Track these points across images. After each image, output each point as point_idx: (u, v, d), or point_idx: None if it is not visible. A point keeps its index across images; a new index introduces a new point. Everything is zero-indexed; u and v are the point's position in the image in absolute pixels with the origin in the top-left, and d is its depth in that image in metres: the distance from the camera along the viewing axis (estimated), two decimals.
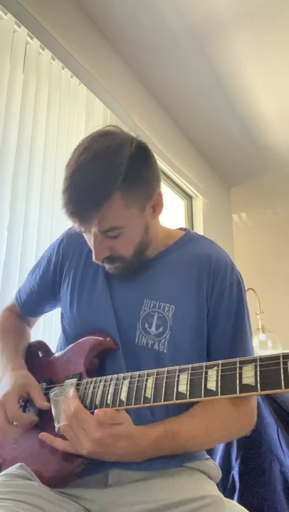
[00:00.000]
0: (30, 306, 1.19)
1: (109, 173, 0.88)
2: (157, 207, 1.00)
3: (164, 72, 2.85)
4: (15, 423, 0.92)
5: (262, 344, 3.44)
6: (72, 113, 2.17)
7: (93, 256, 0.95)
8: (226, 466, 1.56)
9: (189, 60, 2.74)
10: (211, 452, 1.57)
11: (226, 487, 1.53)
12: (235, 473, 1.54)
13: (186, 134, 3.51)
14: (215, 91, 3.01)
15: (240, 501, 1.43)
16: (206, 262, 1.01)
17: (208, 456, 1.00)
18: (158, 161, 3.05)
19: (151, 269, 1.02)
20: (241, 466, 1.54)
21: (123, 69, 2.75)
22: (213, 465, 0.98)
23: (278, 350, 3.30)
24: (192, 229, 3.59)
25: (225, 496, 0.90)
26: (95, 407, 0.84)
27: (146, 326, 0.96)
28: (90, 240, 0.96)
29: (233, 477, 1.54)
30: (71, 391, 0.84)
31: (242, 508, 0.84)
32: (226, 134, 3.50)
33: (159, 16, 2.41)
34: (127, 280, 1.01)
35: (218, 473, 0.98)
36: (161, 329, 0.95)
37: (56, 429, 0.84)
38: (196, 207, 3.66)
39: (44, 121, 1.97)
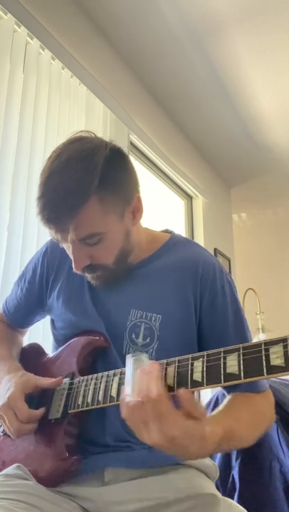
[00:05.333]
0: (19, 318, 1.17)
1: (84, 176, 0.85)
2: (137, 212, 0.97)
3: (164, 72, 2.85)
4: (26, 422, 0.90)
5: None
6: (72, 113, 2.17)
7: (73, 265, 0.92)
8: (226, 466, 1.56)
9: (189, 60, 2.74)
10: None
11: (226, 487, 1.53)
12: (235, 473, 1.54)
13: (186, 133, 3.51)
14: (215, 91, 3.01)
15: (240, 501, 1.43)
16: (192, 267, 0.98)
17: None
18: (158, 161, 3.07)
19: (136, 277, 0.99)
20: (241, 466, 1.54)
21: (123, 69, 2.75)
22: (211, 463, 0.98)
23: None
24: (192, 229, 3.61)
25: (225, 496, 0.90)
26: (87, 405, 0.85)
27: (134, 336, 0.94)
28: (68, 248, 0.93)
29: (233, 477, 1.54)
30: (155, 369, 0.73)
31: (239, 506, 0.84)
32: (225, 134, 3.50)
33: (160, 15, 2.41)
34: (113, 289, 0.99)
35: (215, 472, 0.98)
36: (148, 340, 0.94)
37: (123, 402, 0.73)
38: (196, 207, 3.66)
39: (44, 121, 1.97)
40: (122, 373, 0.83)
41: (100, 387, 0.85)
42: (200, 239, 3.50)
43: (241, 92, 3.02)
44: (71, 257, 0.92)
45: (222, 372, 0.69)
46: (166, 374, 0.75)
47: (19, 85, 1.87)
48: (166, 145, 3.12)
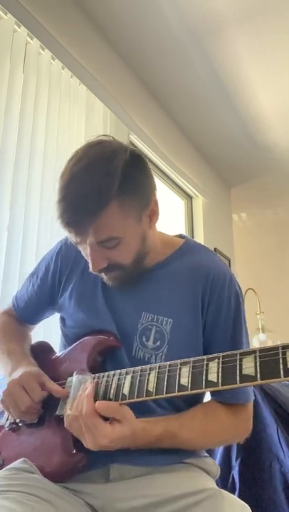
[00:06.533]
0: (29, 314, 1.18)
1: (105, 181, 0.87)
2: (153, 216, 0.99)
3: (164, 72, 2.85)
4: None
5: (262, 344, 3.44)
6: (72, 113, 2.17)
7: (90, 266, 0.93)
8: (226, 466, 1.56)
9: (189, 60, 2.74)
10: (211, 452, 1.57)
11: (226, 487, 1.53)
12: (235, 473, 1.54)
13: (186, 133, 3.51)
14: (215, 91, 3.01)
15: None
16: (204, 274, 1.00)
17: (207, 454, 1.01)
18: (158, 161, 3.07)
19: (149, 280, 1.01)
20: (241, 466, 1.54)
21: (123, 69, 2.75)
22: (212, 462, 1.00)
23: None
24: (192, 229, 3.61)
25: None
26: None
27: (144, 339, 0.96)
28: (85, 250, 0.94)
29: (233, 477, 1.54)
30: (89, 387, 0.84)
31: (241, 501, 0.85)
32: (225, 134, 3.50)
33: (160, 15, 2.41)
34: (125, 291, 1.00)
35: (216, 471, 0.99)
36: (158, 343, 0.95)
37: (65, 414, 0.85)
38: (196, 207, 3.66)
39: (44, 122, 1.97)
40: (135, 372, 0.84)
41: (111, 385, 0.86)
42: (200, 239, 3.50)
43: (241, 92, 3.02)
44: (88, 259, 0.94)
45: (238, 373, 0.70)
46: (180, 374, 0.78)
47: (19, 85, 1.87)
48: (166, 145, 3.12)
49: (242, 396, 0.97)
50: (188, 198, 3.64)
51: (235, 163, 3.94)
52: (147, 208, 0.96)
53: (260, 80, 2.91)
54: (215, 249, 3.63)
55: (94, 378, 0.89)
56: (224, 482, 1.54)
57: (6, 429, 1.00)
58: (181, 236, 1.12)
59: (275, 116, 3.27)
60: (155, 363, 0.93)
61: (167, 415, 0.91)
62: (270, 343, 3.45)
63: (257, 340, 3.48)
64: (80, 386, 0.86)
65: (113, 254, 0.93)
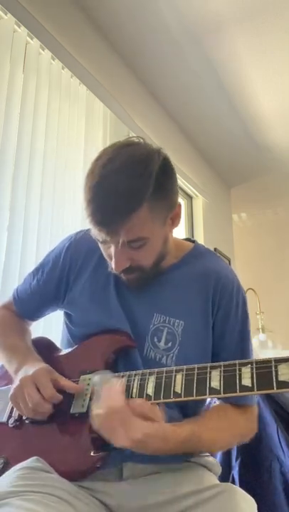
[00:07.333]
0: (30, 309, 1.17)
1: (139, 183, 0.87)
2: (176, 219, 1.00)
3: (164, 72, 2.86)
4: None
5: (262, 344, 3.44)
6: (72, 113, 2.17)
7: (113, 266, 0.93)
8: (226, 466, 1.56)
9: (189, 60, 2.74)
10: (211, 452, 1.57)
11: None
12: (235, 473, 1.54)
13: (186, 133, 3.51)
14: (215, 91, 3.01)
15: None
16: (215, 278, 1.02)
17: (208, 454, 1.02)
18: None
19: (162, 282, 1.02)
20: (241, 466, 1.54)
21: (123, 69, 2.75)
22: (214, 461, 1.01)
23: (278, 350, 3.30)
24: (192, 229, 3.60)
25: None
26: None
27: (156, 340, 0.97)
28: (107, 250, 0.95)
29: (233, 477, 1.54)
30: (118, 384, 0.84)
31: (250, 496, 0.85)
32: (225, 134, 3.50)
33: (159, 16, 2.41)
34: (139, 291, 1.01)
35: (218, 469, 1.01)
36: (170, 344, 0.96)
37: (93, 414, 0.83)
38: (196, 207, 3.66)
39: (44, 121, 1.97)
40: (159, 373, 0.85)
41: (133, 384, 0.86)
42: (200, 239, 3.50)
43: (241, 92, 3.02)
44: (110, 258, 0.94)
45: (274, 379, 0.72)
46: (210, 377, 0.79)
47: (19, 85, 1.87)
48: (166, 145, 3.11)
49: (250, 397, 0.99)
50: (188, 198, 3.64)
51: (235, 163, 3.94)
52: (172, 211, 0.97)
53: (260, 80, 2.91)
54: (215, 249, 3.63)
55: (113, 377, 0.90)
56: (224, 482, 1.54)
57: (10, 426, 0.97)
58: (189, 240, 1.14)
59: (275, 116, 3.27)
60: (166, 363, 0.95)
61: (187, 419, 0.91)
62: (270, 343, 3.45)
63: (257, 340, 3.47)
64: (103, 385, 0.86)
65: (137, 255, 0.93)
